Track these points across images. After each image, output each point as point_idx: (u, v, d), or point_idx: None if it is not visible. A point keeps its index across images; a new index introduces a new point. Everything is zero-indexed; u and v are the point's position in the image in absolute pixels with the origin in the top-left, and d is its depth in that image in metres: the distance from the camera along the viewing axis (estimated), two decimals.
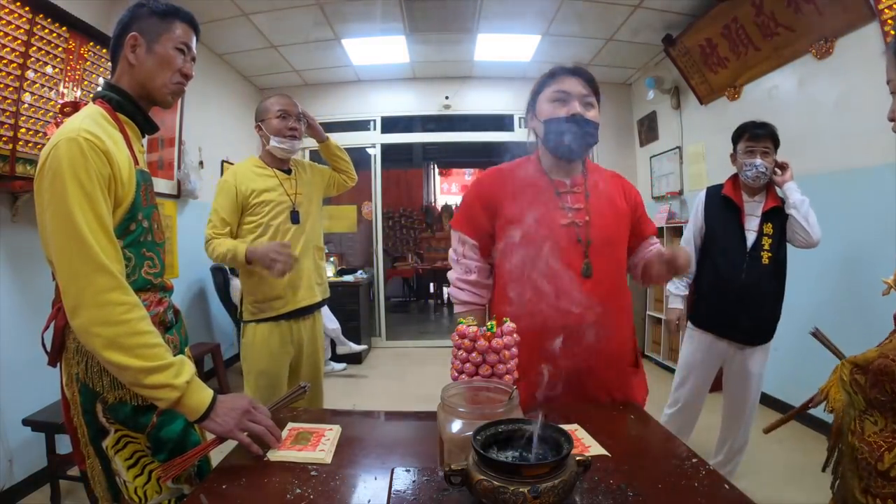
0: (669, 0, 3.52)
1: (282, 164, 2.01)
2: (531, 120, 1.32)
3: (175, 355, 0.95)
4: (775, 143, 2.01)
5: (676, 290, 2.23)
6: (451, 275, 1.36)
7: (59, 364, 1.02)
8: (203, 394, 0.94)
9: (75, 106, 1.05)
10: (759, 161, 1.96)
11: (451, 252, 1.37)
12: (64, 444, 2.14)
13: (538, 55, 4.56)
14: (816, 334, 1.25)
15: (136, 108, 1.05)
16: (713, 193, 2.12)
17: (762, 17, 3.06)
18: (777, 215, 1.98)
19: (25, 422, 2.09)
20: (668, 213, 4.35)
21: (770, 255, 1.96)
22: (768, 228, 1.97)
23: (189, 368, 0.94)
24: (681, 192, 4.44)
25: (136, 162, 1.02)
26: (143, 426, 0.99)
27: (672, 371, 4.05)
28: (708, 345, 2.09)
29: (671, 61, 4.08)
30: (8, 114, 2.10)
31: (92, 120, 0.95)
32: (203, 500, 0.82)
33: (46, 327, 1.02)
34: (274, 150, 1.95)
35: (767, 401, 3.27)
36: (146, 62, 1.02)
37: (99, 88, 1.10)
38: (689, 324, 2.18)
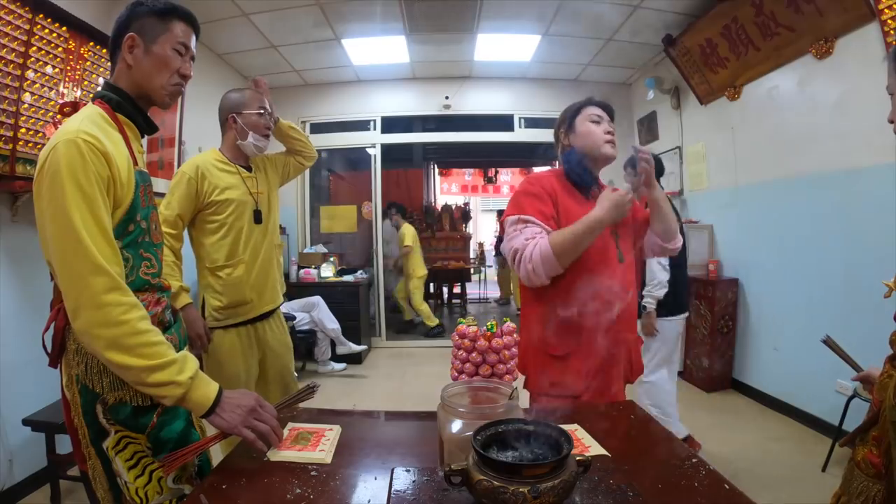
0: (669, 0, 3.53)
1: (245, 161, 1.91)
2: (565, 136, 1.50)
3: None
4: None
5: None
6: (528, 251, 1.32)
7: (59, 365, 1.02)
8: (208, 388, 0.94)
9: (75, 106, 1.05)
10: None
11: (514, 241, 1.36)
12: (64, 444, 2.14)
13: (538, 55, 4.56)
14: (828, 342, 1.23)
15: (135, 108, 1.05)
16: None
17: (762, 17, 3.06)
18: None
19: (25, 422, 2.09)
20: None
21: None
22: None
23: (192, 364, 0.95)
24: (681, 192, 4.44)
25: (136, 162, 1.02)
26: (144, 427, 0.99)
27: None
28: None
29: (671, 61, 4.08)
30: (8, 114, 2.10)
31: (91, 121, 0.95)
32: (203, 500, 0.82)
33: (47, 328, 1.01)
34: (246, 147, 1.86)
35: (770, 402, 3.27)
36: (144, 63, 1.02)
37: (99, 89, 1.09)
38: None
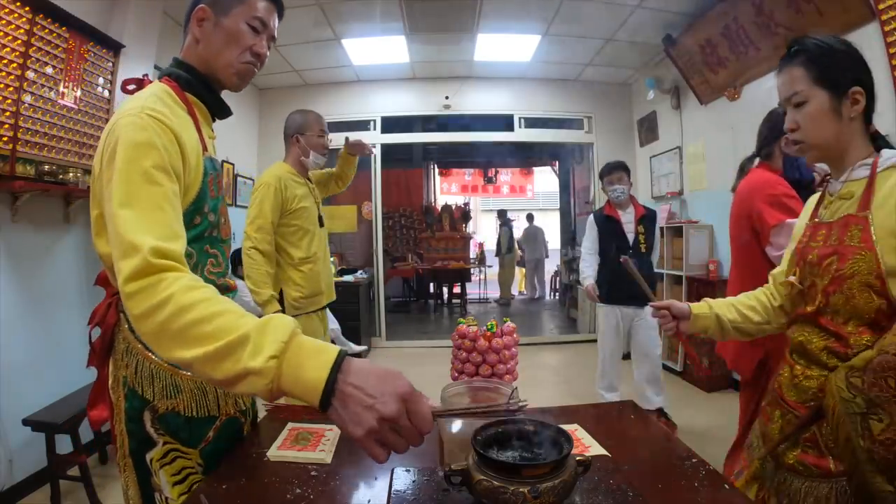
0: (669, 0, 3.53)
1: (307, 174, 2.21)
2: (778, 143, 1.72)
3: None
4: (626, 171, 2.93)
5: (590, 271, 3.06)
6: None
7: (106, 366, 0.93)
8: (314, 363, 0.58)
9: (139, 83, 0.95)
10: (616, 186, 2.90)
11: (779, 246, 1.53)
12: (64, 444, 2.14)
13: (538, 55, 4.56)
14: (626, 263, 1.25)
15: (206, 87, 0.94)
16: (599, 214, 3.03)
17: (762, 17, 3.06)
18: (643, 220, 2.90)
19: (25, 422, 2.08)
20: (668, 213, 4.34)
21: (646, 245, 2.90)
22: (641, 229, 2.91)
23: (273, 335, 0.59)
24: (681, 192, 4.44)
25: (205, 148, 0.91)
26: (197, 441, 0.89)
27: (668, 369, 4.06)
28: (614, 313, 2.94)
29: (671, 61, 4.08)
30: (8, 114, 2.10)
31: (157, 98, 0.84)
32: (203, 500, 0.82)
33: (94, 323, 0.91)
34: (308, 163, 2.16)
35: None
36: (213, 38, 0.91)
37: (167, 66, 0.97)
38: (598, 304, 3.03)
